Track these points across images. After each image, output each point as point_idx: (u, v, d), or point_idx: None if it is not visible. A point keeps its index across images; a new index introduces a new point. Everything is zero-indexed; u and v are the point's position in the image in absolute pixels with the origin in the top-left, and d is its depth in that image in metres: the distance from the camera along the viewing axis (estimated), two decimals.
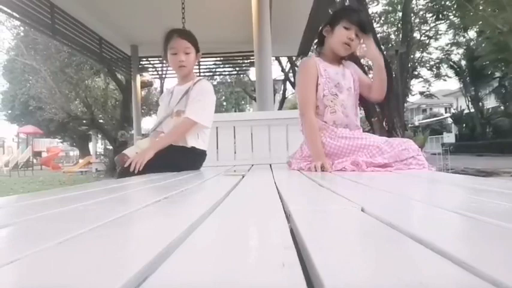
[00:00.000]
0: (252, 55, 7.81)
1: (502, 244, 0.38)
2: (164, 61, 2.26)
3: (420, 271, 0.30)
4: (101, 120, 14.66)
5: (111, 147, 12.73)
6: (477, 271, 0.28)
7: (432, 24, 19.79)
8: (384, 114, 9.34)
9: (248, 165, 2.61)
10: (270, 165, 2.51)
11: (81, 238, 0.45)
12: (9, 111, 24.03)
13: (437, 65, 22.94)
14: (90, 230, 0.48)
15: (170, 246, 0.38)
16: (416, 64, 21.43)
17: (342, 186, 1.09)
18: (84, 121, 14.84)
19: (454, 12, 17.36)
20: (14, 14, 4.77)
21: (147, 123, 20.76)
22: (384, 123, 9.32)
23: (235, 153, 3.13)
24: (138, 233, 0.51)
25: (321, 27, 1.91)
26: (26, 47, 13.71)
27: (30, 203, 0.87)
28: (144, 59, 8.44)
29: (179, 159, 2.06)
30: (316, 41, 2.00)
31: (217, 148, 3.07)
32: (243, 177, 1.45)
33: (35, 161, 16.54)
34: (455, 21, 18.71)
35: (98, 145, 19.77)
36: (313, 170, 1.64)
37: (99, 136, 18.82)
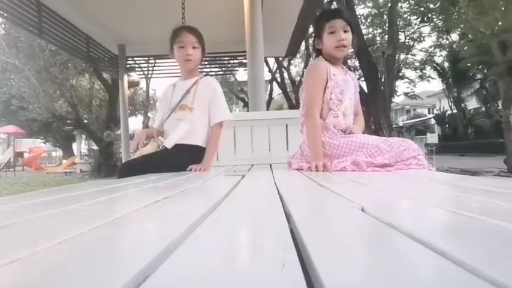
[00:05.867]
0: (240, 55, 7.81)
1: (502, 244, 0.39)
2: (170, 57, 2.24)
3: (420, 271, 0.31)
4: (86, 120, 14.39)
5: (95, 147, 12.53)
6: (477, 271, 0.28)
7: (416, 27, 20.10)
8: (371, 115, 9.45)
9: (248, 165, 2.61)
10: (270, 165, 2.51)
11: (81, 238, 0.44)
12: None
13: (421, 66, 23.27)
14: (90, 230, 0.48)
15: (170, 246, 0.38)
16: (401, 65, 21.71)
17: (342, 186, 1.09)
18: (69, 121, 14.53)
19: (437, 15, 17.66)
20: None
21: (133, 123, 20.51)
22: (371, 124, 9.42)
23: (235, 153, 3.12)
24: (138, 233, 0.51)
25: (312, 42, 1.96)
26: (7, 45, 13.33)
27: (30, 203, 0.86)
28: (130, 59, 8.34)
29: (191, 158, 2.07)
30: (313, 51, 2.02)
31: None
32: (243, 177, 1.45)
33: (17, 161, 16.16)
34: (439, 23, 19.01)
35: (82, 145, 19.43)
36: (313, 170, 1.63)
37: (84, 136, 18.49)
